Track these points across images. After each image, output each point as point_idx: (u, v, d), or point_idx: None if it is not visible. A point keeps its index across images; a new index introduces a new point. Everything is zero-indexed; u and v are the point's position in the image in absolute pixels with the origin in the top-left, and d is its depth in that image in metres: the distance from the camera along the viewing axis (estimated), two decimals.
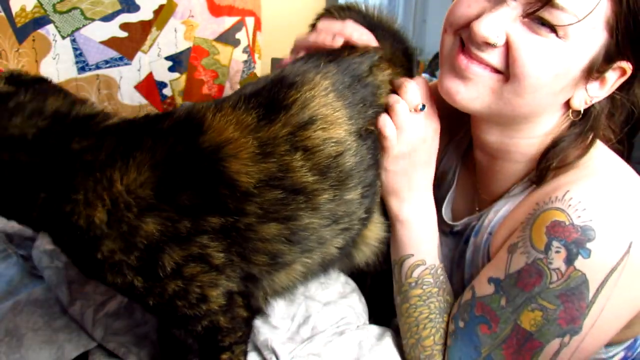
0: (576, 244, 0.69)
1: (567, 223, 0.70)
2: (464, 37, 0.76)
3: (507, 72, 0.72)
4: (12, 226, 1.01)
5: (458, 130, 1.02)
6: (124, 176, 0.61)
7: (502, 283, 0.75)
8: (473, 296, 0.79)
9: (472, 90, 0.75)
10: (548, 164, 0.77)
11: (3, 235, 1.02)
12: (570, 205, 0.71)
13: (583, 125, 0.78)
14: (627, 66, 0.72)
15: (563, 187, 0.73)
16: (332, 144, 0.69)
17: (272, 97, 0.68)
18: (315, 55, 0.78)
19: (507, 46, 0.70)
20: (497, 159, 0.86)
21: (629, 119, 0.81)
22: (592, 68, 0.71)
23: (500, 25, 0.70)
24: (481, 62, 0.73)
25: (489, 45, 0.71)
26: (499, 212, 0.83)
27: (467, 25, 0.74)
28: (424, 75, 2.66)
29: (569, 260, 0.69)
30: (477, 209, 0.92)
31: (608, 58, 0.71)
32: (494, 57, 0.72)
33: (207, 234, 0.64)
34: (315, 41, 0.82)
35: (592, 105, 0.76)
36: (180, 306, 0.66)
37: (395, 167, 0.81)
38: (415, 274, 0.84)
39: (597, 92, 0.74)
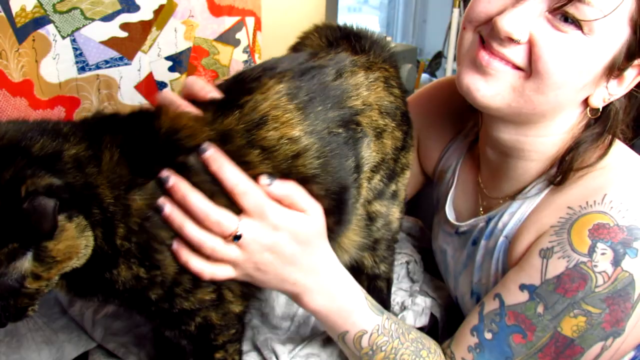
0: (623, 244, 0.68)
1: (612, 224, 0.69)
2: (484, 34, 0.75)
3: (528, 69, 0.71)
4: None
5: (460, 128, 1.02)
6: (102, 159, 0.64)
7: (538, 290, 0.72)
8: (502, 305, 0.76)
9: (493, 87, 0.74)
10: (571, 165, 0.77)
11: None
12: (612, 208, 0.70)
13: (603, 124, 0.77)
14: None
15: (598, 190, 0.72)
16: (287, 143, 0.68)
17: (226, 98, 0.69)
18: (283, 57, 0.79)
19: (530, 43, 0.70)
20: (510, 157, 0.84)
21: None
22: (614, 65, 0.71)
23: (524, 21, 0.69)
24: (503, 58, 0.72)
25: (512, 41, 0.70)
26: (515, 215, 0.81)
27: (487, 22, 0.74)
28: (424, 75, 2.66)
29: (616, 262, 0.68)
30: (481, 209, 0.92)
31: (630, 55, 0.70)
32: (516, 53, 0.71)
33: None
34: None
35: (611, 103, 0.76)
36: (178, 294, 0.67)
37: (264, 275, 0.70)
38: (364, 343, 0.77)
39: (616, 89, 0.74)
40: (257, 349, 0.86)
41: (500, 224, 0.83)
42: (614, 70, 0.72)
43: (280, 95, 0.69)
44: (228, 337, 0.74)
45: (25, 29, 1.26)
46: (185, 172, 0.65)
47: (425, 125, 1.03)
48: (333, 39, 0.85)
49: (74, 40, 1.36)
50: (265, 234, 0.67)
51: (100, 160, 0.63)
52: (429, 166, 1.07)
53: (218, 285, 0.69)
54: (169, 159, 0.65)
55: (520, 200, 0.82)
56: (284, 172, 0.68)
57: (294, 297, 0.75)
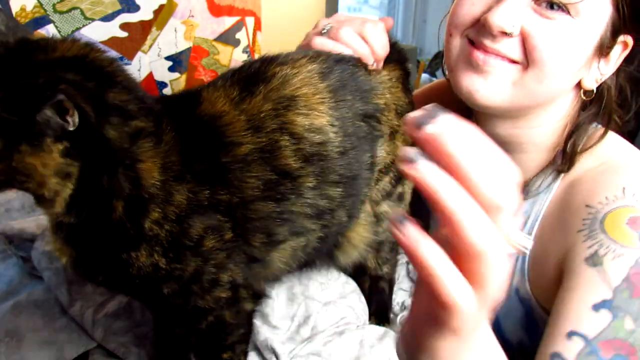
0: None
1: None
2: (472, 36, 0.76)
3: (525, 61, 0.72)
4: (12, 227, 1.01)
5: None
6: (163, 139, 0.64)
7: (615, 303, 0.63)
8: (586, 342, 0.62)
9: (493, 84, 0.75)
10: (575, 148, 0.77)
11: (3, 237, 1.02)
12: (638, 200, 0.69)
13: (598, 104, 0.78)
14: (629, 40, 0.74)
15: (612, 185, 0.71)
16: (315, 131, 0.70)
17: (252, 71, 0.70)
18: (310, 50, 0.80)
19: (522, 35, 0.71)
20: (507, 152, 0.84)
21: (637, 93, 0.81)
22: (602, 44, 0.72)
23: (514, 14, 0.70)
24: (498, 54, 0.73)
25: (504, 35, 0.71)
26: (531, 215, 0.81)
27: (474, 24, 0.75)
28: (424, 75, 2.66)
29: None
30: None
31: (614, 33, 0.72)
32: (510, 47, 0.72)
33: (219, 212, 0.66)
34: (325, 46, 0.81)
35: (604, 82, 0.77)
36: (195, 292, 0.66)
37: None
38: None
39: (605, 68, 0.75)
40: (257, 348, 0.86)
41: None
42: (603, 49, 0.73)
43: (313, 73, 0.71)
44: (237, 337, 0.74)
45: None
46: (226, 172, 0.66)
47: None
48: None
49: None
50: None
51: (161, 140, 0.63)
52: None
53: (235, 284, 0.69)
54: (214, 152, 0.66)
55: (531, 199, 0.82)
56: (308, 154, 0.70)
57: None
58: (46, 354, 0.83)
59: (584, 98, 0.78)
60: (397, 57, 0.88)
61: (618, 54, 0.75)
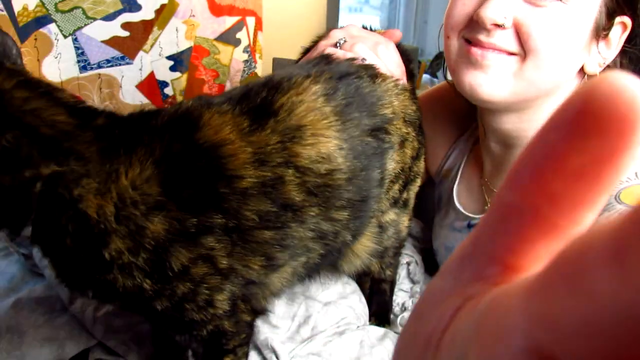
0: None
1: None
2: (468, 36, 0.77)
3: (522, 52, 0.74)
4: None
5: (465, 129, 1.03)
6: (128, 170, 0.60)
7: None
8: None
9: (494, 78, 0.76)
10: None
11: (4, 234, 1.02)
12: None
13: None
14: (627, 20, 0.75)
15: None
16: (321, 161, 0.67)
17: (260, 102, 0.67)
18: (315, 59, 0.78)
19: (516, 27, 0.73)
20: (514, 148, 0.85)
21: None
22: (598, 26, 0.73)
23: (504, 6, 0.72)
24: (495, 48, 0.75)
25: (498, 27, 0.73)
26: None
27: (468, 24, 0.77)
28: (425, 75, 2.66)
29: None
30: (488, 204, 0.92)
31: (609, 14, 0.73)
32: (506, 40, 0.74)
33: (213, 235, 0.63)
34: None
35: (608, 66, 0.78)
36: (189, 309, 0.65)
37: None
38: None
39: (607, 52, 0.76)
40: (257, 348, 0.86)
41: None
42: (600, 31, 0.74)
43: (317, 96, 0.69)
44: (239, 341, 0.74)
45: (28, 28, 1.26)
46: (221, 201, 0.63)
47: (429, 126, 1.05)
48: None
49: (75, 40, 1.37)
50: None
51: (116, 175, 0.59)
52: (433, 166, 1.08)
53: (233, 300, 0.68)
54: (210, 185, 0.62)
55: None
56: (312, 187, 0.67)
57: None
58: (47, 351, 0.83)
59: None
60: (403, 58, 0.88)
61: (618, 36, 0.76)
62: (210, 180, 0.62)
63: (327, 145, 0.67)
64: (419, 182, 0.91)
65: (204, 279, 0.64)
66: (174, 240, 0.61)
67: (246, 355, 0.78)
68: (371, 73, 0.77)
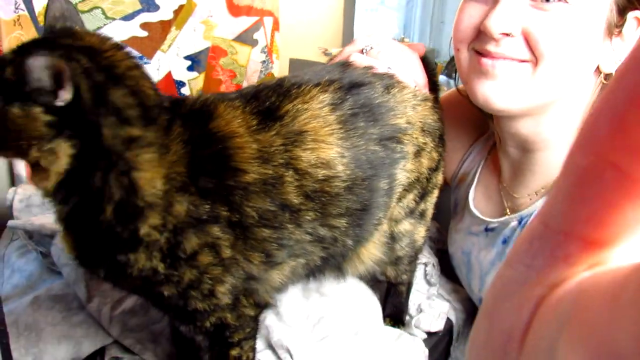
0: None
1: None
2: (477, 48, 0.77)
3: (533, 58, 0.73)
4: (32, 223, 1.02)
5: (481, 133, 1.02)
6: (172, 147, 0.63)
7: None
8: None
9: (507, 87, 0.75)
10: None
11: (23, 232, 1.04)
12: None
13: None
14: None
15: None
16: (320, 166, 0.68)
17: (268, 106, 0.69)
18: (332, 65, 0.78)
19: (525, 34, 0.72)
20: (532, 152, 0.85)
21: None
22: (610, 24, 0.73)
23: (510, 14, 0.72)
24: (505, 57, 0.74)
25: (506, 35, 0.72)
26: None
27: (477, 36, 0.77)
28: (441, 77, 2.64)
29: None
30: (507, 210, 0.91)
31: (620, 11, 0.73)
32: (515, 48, 0.73)
33: (219, 225, 0.65)
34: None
35: None
36: (194, 297, 0.66)
37: None
38: None
39: (622, 48, 0.75)
40: (271, 347, 0.86)
41: None
42: (613, 28, 0.73)
43: (323, 105, 0.70)
44: (243, 335, 0.74)
45: None
46: (228, 194, 0.65)
47: (447, 131, 1.04)
48: None
49: None
50: None
51: (167, 151, 0.62)
52: (449, 171, 1.08)
53: (234, 294, 0.69)
54: (220, 172, 0.65)
55: None
56: (310, 191, 0.68)
57: None
58: (64, 348, 0.84)
59: (605, 82, 0.78)
60: (427, 71, 0.87)
61: (633, 31, 0.75)
62: (220, 170, 0.65)
63: (328, 152, 0.69)
64: (436, 193, 0.90)
65: (207, 268, 0.65)
66: (189, 224, 0.63)
67: (253, 349, 0.78)
68: (387, 83, 0.77)
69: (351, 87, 0.73)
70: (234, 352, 0.74)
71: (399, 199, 0.82)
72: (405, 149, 0.77)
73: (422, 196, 0.86)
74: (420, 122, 0.80)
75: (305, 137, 0.68)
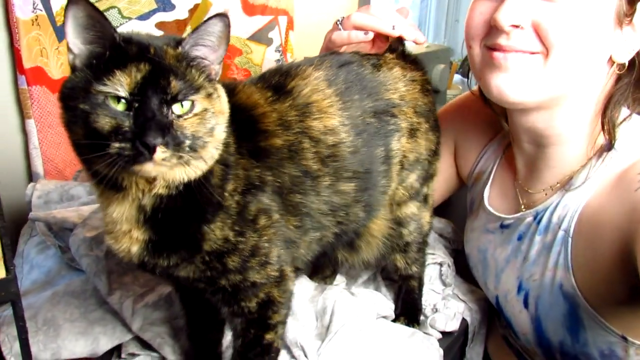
0: None
1: None
2: (489, 44, 0.79)
3: (544, 50, 0.74)
4: (54, 216, 1.03)
5: (497, 132, 1.02)
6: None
7: None
8: None
9: (520, 79, 0.76)
10: (613, 120, 0.78)
11: (42, 225, 1.04)
12: None
13: (631, 74, 0.78)
14: None
15: None
16: (328, 133, 0.76)
17: (275, 83, 0.77)
18: (324, 54, 0.85)
19: (534, 26, 0.73)
20: (548, 146, 0.85)
21: None
22: (620, 13, 0.73)
23: (519, 7, 0.73)
24: (516, 50, 0.75)
25: (516, 27, 0.74)
26: (570, 207, 0.81)
27: (488, 32, 0.78)
28: (456, 75, 2.63)
29: None
30: (522, 206, 0.91)
31: (630, 0, 0.73)
32: (526, 40, 0.74)
33: (266, 193, 0.71)
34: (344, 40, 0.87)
35: (637, 53, 0.77)
36: (252, 267, 0.70)
37: None
38: None
39: (634, 37, 0.76)
40: (286, 347, 0.87)
41: (555, 218, 0.83)
42: (623, 17, 0.74)
43: (320, 81, 0.78)
44: (281, 317, 0.76)
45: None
46: (266, 156, 0.71)
47: (462, 130, 1.04)
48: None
49: None
50: None
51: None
52: (465, 169, 1.08)
53: (280, 262, 0.74)
54: (252, 135, 0.71)
55: (572, 193, 0.81)
56: (324, 156, 0.75)
57: None
58: (82, 344, 0.85)
59: (618, 72, 0.78)
60: (414, 64, 0.91)
61: None
62: (252, 133, 0.71)
63: (332, 120, 0.76)
64: (435, 180, 0.94)
65: (264, 230, 0.71)
66: (249, 187, 0.69)
67: (281, 338, 0.79)
68: (374, 62, 0.84)
69: (341, 65, 0.80)
70: (269, 336, 0.76)
71: (402, 180, 0.87)
72: (399, 123, 0.83)
73: (425, 179, 0.90)
74: (413, 102, 0.85)
75: (312, 109, 0.75)
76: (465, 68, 2.79)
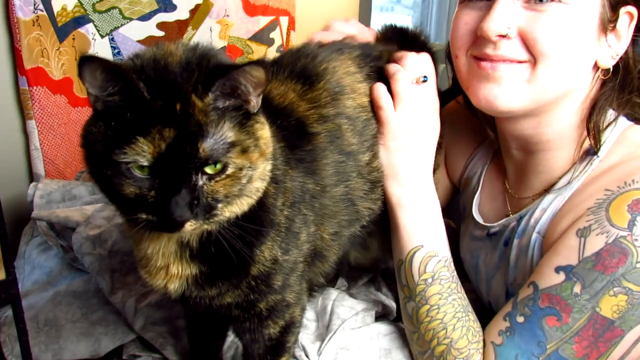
0: None
1: None
2: (476, 54, 0.79)
3: (531, 58, 0.74)
4: (57, 215, 1.03)
5: (485, 137, 1.02)
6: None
7: (576, 269, 0.71)
8: (535, 290, 0.74)
9: (508, 88, 0.76)
10: (599, 125, 0.78)
11: (44, 225, 1.04)
12: None
13: (615, 78, 0.79)
14: (633, 10, 0.75)
15: (635, 172, 0.72)
16: (362, 110, 0.79)
17: (302, 66, 0.77)
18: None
19: (521, 35, 0.74)
20: (537, 153, 0.85)
21: None
22: (604, 20, 0.74)
23: (505, 16, 0.73)
24: (504, 59, 0.75)
25: (503, 37, 0.74)
26: (547, 210, 0.81)
27: (474, 42, 0.78)
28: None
29: None
30: (509, 212, 0.91)
31: (613, 6, 0.74)
32: (513, 49, 0.74)
33: (305, 202, 0.70)
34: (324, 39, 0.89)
35: (620, 58, 0.78)
36: (291, 283, 0.70)
37: (394, 144, 0.82)
38: (430, 267, 0.80)
39: (618, 44, 0.76)
40: None
41: (532, 221, 0.83)
42: (607, 24, 0.74)
43: (349, 65, 0.81)
44: (295, 336, 0.77)
45: (66, 28, 1.29)
46: (310, 160, 0.71)
47: (451, 135, 1.05)
48: (392, 35, 0.97)
49: (112, 39, 1.39)
50: (426, 100, 0.85)
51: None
52: (455, 175, 1.08)
53: (300, 279, 0.74)
54: (300, 143, 0.71)
55: (552, 195, 0.81)
56: (360, 131, 0.78)
57: (399, 185, 0.83)
58: (83, 345, 0.84)
59: (603, 77, 0.79)
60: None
61: (626, 26, 0.76)
62: (299, 140, 0.71)
63: (364, 99, 0.80)
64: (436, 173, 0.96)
65: (303, 245, 0.70)
66: (295, 200, 0.68)
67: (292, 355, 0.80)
68: (382, 48, 0.89)
69: (366, 56, 0.85)
70: (284, 359, 0.77)
71: None
72: None
73: None
74: None
75: (345, 89, 0.78)
76: None
